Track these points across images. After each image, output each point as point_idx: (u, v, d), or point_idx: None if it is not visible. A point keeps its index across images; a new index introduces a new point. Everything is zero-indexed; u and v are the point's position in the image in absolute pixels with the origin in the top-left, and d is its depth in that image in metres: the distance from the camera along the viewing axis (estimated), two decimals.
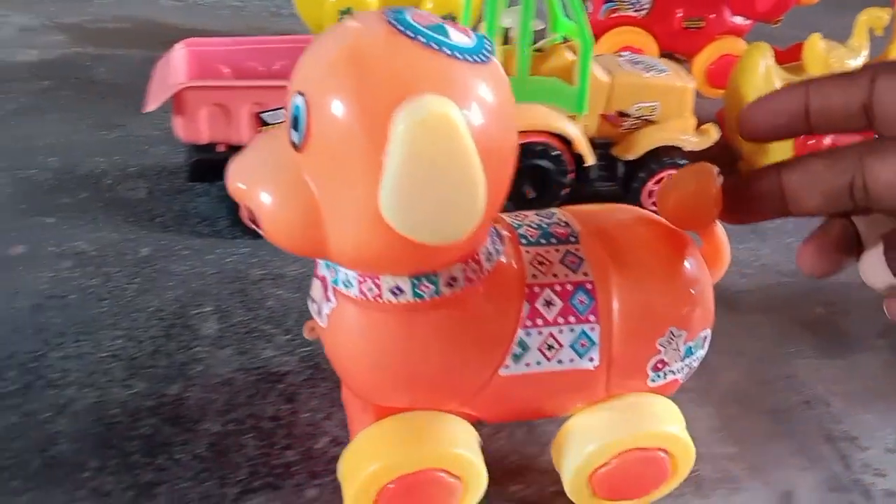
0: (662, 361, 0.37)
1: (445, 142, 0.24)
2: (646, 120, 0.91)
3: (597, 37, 1.17)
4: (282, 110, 0.77)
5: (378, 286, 0.31)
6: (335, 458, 0.45)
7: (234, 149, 0.81)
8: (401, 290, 0.31)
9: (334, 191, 0.27)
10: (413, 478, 0.36)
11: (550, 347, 0.34)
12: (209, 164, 0.82)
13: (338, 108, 0.25)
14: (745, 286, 0.80)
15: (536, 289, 0.33)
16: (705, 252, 0.39)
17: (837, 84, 0.25)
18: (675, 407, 0.41)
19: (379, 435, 0.35)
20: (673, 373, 0.39)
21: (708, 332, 0.39)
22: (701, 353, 0.40)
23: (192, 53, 0.86)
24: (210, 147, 0.81)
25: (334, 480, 0.45)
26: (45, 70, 1.24)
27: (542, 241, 0.36)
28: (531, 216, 0.39)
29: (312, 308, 0.35)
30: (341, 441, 0.57)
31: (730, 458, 0.52)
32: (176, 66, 0.83)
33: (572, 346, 0.34)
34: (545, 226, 0.37)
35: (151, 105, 0.77)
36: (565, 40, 0.90)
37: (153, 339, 0.66)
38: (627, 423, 0.38)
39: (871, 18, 0.99)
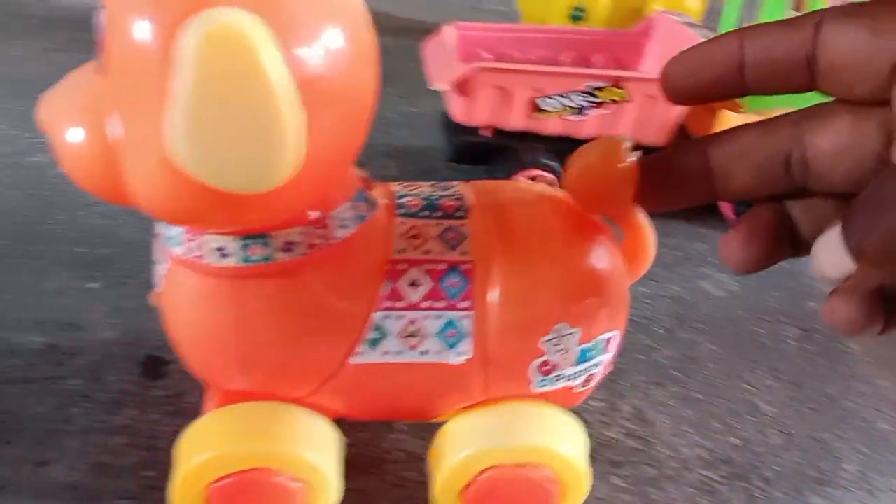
0: (550, 363, 0.31)
1: (237, 61, 0.20)
2: None
3: None
4: (559, 98, 0.76)
5: (203, 245, 0.27)
6: (635, 451, 0.49)
7: (502, 134, 0.83)
8: (227, 252, 0.27)
9: (129, 123, 0.23)
10: (246, 476, 0.31)
11: (413, 335, 0.30)
12: (475, 146, 0.85)
13: (129, 20, 0.21)
14: None
15: (402, 266, 0.30)
16: (625, 246, 0.33)
17: (778, 30, 0.21)
18: (573, 421, 0.34)
19: (214, 423, 0.31)
20: (566, 379, 0.32)
21: (614, 335, 0.32)
22: (603, 358, 0.33)
23: (460, 37, 0.89)
24: (474, 130, 0.84)
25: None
26: None
27: (424, 212, 0.31)
28: (424, 186, 0.34)
29: (153, 270, 0.31)
30: (637, 434, 0.55)
31: None
32: (449, 48, 0.84)
33: (440, 336, 0.30)
34: (435, 197, 0.32)
35: (439, 84, 0.80)
36: None
37: None
38: (510, 432, 0.32)
39: None
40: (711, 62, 0.22)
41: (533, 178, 0.81)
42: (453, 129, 0.85)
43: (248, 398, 0.32)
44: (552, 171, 0.81)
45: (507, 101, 0.78)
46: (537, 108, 0.79)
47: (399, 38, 1.40)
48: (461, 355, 0.31)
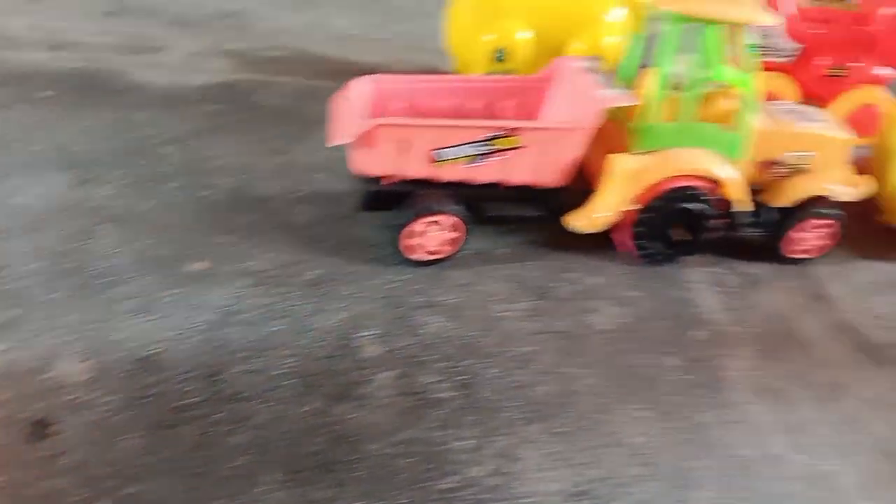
0: None
1: None
2: (797, 169, 0.97)
3: None
4: (457, 147, 0.86)
5: None
6: (496, 488, 0.53)
7: (407, 182, 0.89)
8: None
9: None
10: None
11: None
12: (383, 195, 0.93)
13: None
14: (889, 340, 0.84)
15: None
16: None
17: None
18: None
19: None
20: None
21: None
22: None
23: (373, 89, 0.97)
24: (377, 179, 0.91)
25: None
26: (214, 94, 1.40)
27: None
28: None
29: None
30: (501, 471, 0.63)
31: None
32: (358, 101, 0.93)
33: None
34: None
35: (340, 140, 0.86)
36: (721, 87, 0.98)
37: (326, 358, 0.74)
38: None
39: None
40: None
41: (435, 223, 0.88)
42: (363, 178, 0.91)
43: None
44: (454, 214, 0.88)
45: (409, 152, 0.86)
46: (437, 159, 0.87)
47: (338, 82, 1.44)
48: None
